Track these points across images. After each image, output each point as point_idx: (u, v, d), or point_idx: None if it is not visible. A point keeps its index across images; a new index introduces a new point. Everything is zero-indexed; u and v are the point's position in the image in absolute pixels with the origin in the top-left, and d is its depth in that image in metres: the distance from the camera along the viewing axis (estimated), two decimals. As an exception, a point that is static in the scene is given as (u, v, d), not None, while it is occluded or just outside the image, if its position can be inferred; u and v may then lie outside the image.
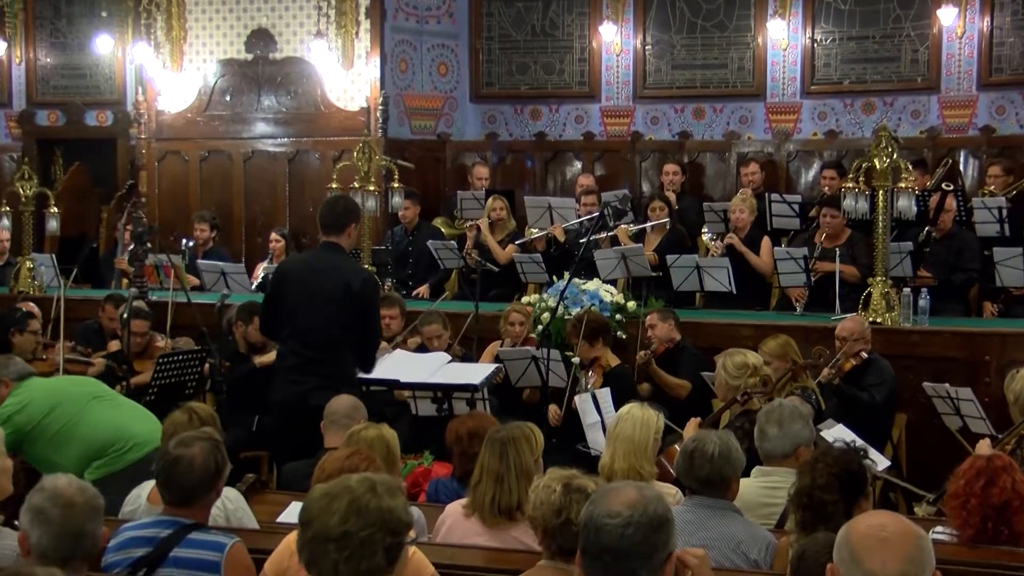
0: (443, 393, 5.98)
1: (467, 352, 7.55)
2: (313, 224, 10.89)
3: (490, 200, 9.87)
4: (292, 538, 3.54)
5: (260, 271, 9.97)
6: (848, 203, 7.41)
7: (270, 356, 7.44)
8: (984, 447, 5.08)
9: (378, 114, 10.91)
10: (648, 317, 7.44)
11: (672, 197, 9.78)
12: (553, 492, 3.38)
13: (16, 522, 3.32)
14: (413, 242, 9.92)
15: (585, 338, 7.04)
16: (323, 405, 5.27)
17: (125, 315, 7.46)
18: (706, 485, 4.05)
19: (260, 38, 11.37)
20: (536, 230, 9.68)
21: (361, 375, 6.01)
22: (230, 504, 4.31)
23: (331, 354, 5.84)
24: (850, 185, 7.41)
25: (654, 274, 8.57)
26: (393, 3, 11.27)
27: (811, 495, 3.64)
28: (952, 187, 8.96)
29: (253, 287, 9.69)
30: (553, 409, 7.04)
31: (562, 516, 3.32)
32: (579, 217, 9.69)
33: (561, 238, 9.45)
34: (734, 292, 8.23)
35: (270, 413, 6.15)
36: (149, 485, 4.32)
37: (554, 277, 8.51)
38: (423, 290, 9.63)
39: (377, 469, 3.88)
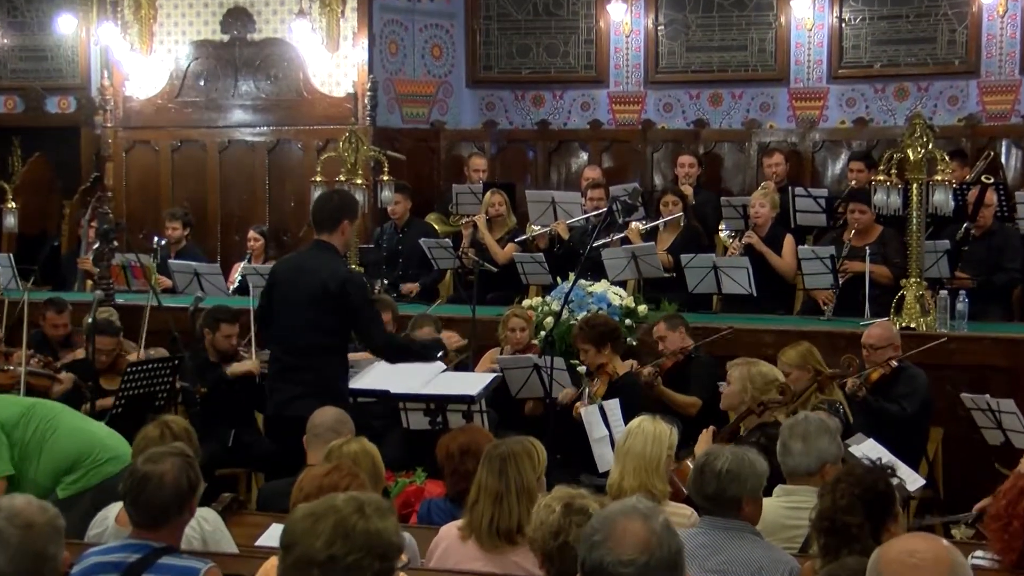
0: (437, 405, 5.99)
1: (463, 360, 7.57)
2: (295, 220, 10.95)
3: (488, 194, 9.89)
4: (271, 564, 3.56)
5: (237, 272, 9.98)
6: (879, 197, 7.43)
7: (244, 365, 7.47)
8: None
9: (366, 100, 10.92)
10: (655, 327, 7.42)
11: (688, 191, 9.79)
12: (552, 512, 3.39)
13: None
14: (403, 240, 9.91)
15: (591, 342, 7.05)
16: (306, 416, 5.33)
17: (90, 320, 7.47)
18: (714, 503, 4.06)
19: (237, 18, 11.38)
20: (538, 227, 9.69)
21: (351, 385, 6.05)
22: (207, 525, 4.32)
23: (312, 360, 5.95)
24: (881, 178, 7.42)
25: (667, 275, 8.58)
26: (382, -20, 11.31)
27: (832, 518, 3.65)
28: (993, 180, 8.96)
29: (230, 290, 9.71)
30: (568, 392, 7.07)
31: (560, 539, 3.33)
32: (585, 213, 9.70)
33: (565, 236, 9.46)
34: (755, 295, 8.24)
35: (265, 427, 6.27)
36: (117, 506, 4.32)
37: (558, 279, 8.52)
38: (412, 287, 9.62)
39: (361, 486, 3.88)
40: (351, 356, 6.46)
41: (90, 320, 7.46)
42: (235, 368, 7.50)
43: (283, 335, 6.12)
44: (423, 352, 6.27)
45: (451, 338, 6.53)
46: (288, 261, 6.52)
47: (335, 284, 5.90)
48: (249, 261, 10.03)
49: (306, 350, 5.98)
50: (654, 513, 2.60)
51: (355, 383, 6.10)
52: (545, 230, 9.58)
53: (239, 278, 9.82)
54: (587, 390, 7.03)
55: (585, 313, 7.63)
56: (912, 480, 5.61)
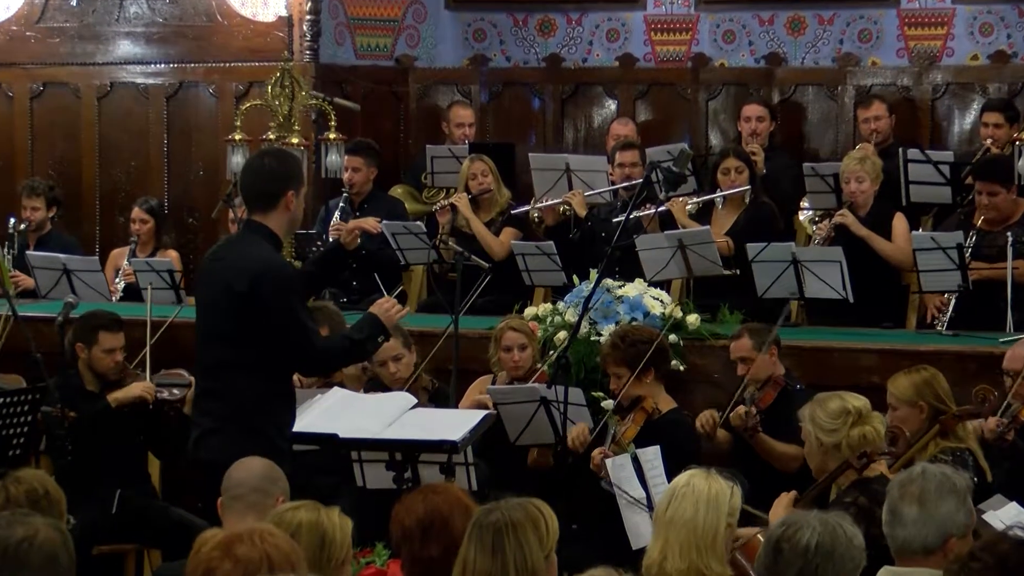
0: (405, 455, 6.00)
1: (442, 388, 7.57)
2: (206, 195, 10.96)
3: (466, 163, 9.85)
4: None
5: (121, 265, 9.97)
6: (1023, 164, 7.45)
7: (130, 390, 7.48)
8: None
9: (305, 27, 10.93)
10: (734, 344, 7.41)
11: (757, 153, 9.80)
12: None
13: None
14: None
15: (628, 365, 7.06)
16: (216, 460, 5.41)
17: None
18: (799, 592, 4.07)
19: (123, -89, 11.43)
20: (543, 203, 9.67)
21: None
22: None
23: (220, 383, 6.04)
24: (1026, 136, 7.45)
25: (728, 271, 8.58)
26: None
27: (955, 609, 3.65)
28: None
29: (116, 296, 9.72)
30: (580, 428, 7.07)
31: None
32: (613, 184, 9.71)
33: (582, 213, 9.45)
34: (850, 300, 8.25)
35: None
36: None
37: (575, 277, 8.53)
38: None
39: (285, 568, 3.83)
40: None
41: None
42: (118, 395, 7.50)
43: (197, 351, 6.21)
44: (362, 345, 6.18)
45: (389, 310, 6.20)
46: (212, 251, 6.57)
47: (244, 284, 5.92)
48: (135, 252, 10.01)
49: (214, 370, 6.06)
50: None
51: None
52: (556, 202, 9.58)
53: (121, 282, 9.81)
54: (612, 431, 7.02)
55: (612, 325, 7.63)
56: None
